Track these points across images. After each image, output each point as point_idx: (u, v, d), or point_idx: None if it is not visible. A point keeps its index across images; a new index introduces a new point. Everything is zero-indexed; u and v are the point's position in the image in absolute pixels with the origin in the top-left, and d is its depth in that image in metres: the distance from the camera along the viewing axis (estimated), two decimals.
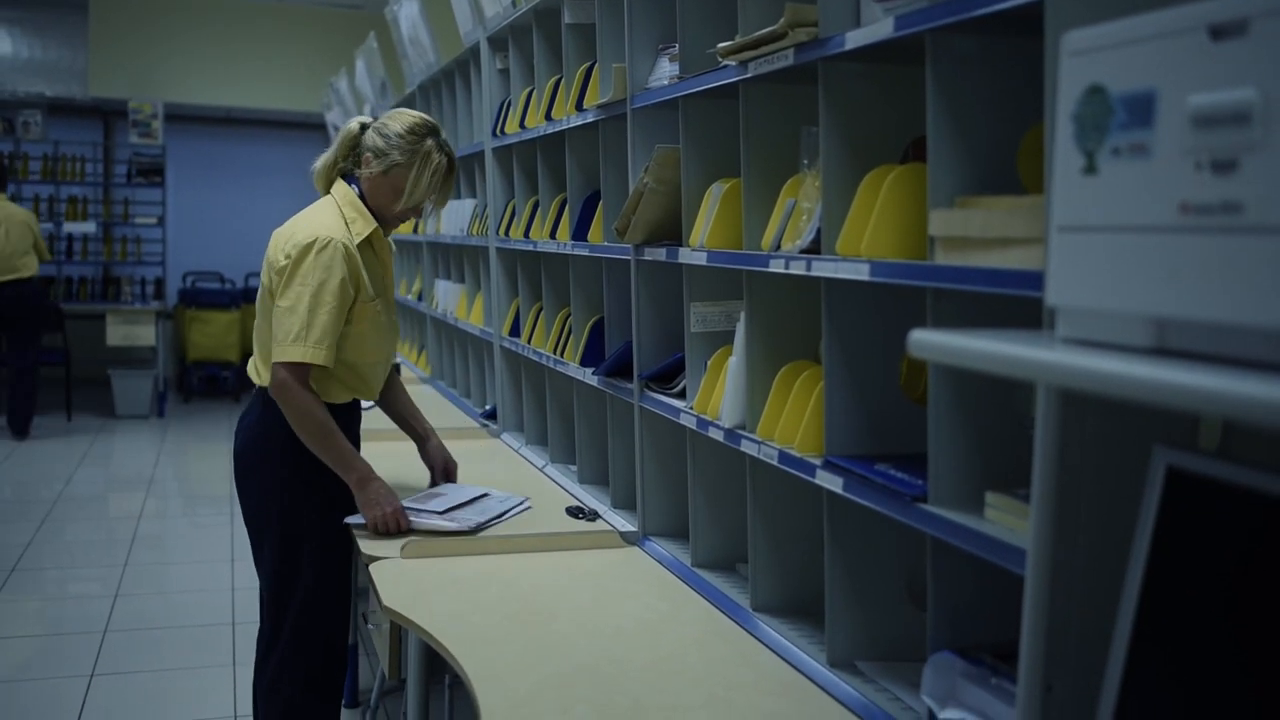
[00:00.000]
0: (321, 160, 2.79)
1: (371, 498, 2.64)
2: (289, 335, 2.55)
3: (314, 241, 2.58)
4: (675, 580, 2.48)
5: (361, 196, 2.73)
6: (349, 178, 2.76)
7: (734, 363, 2.23)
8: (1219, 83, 0.87)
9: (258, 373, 2.73)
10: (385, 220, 2.75)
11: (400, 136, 2.68)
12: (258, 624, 2.86)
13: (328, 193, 2.77)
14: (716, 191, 2.30)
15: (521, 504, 2.94)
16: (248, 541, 2.91)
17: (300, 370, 2.57)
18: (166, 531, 6.06)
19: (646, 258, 2.61)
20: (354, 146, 2.75)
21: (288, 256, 2.58)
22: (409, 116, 2.74)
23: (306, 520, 2.69)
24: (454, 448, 3.15)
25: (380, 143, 2.69)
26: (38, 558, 5.41)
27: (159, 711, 3.75)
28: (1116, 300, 0.97)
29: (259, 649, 2.80)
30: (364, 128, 2.76)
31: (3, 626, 4.52)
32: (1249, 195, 0.84)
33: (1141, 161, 0.94)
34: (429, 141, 2.70)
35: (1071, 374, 0.95)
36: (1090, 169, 1.00)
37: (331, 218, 2.67)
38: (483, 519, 2.74)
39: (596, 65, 2.89)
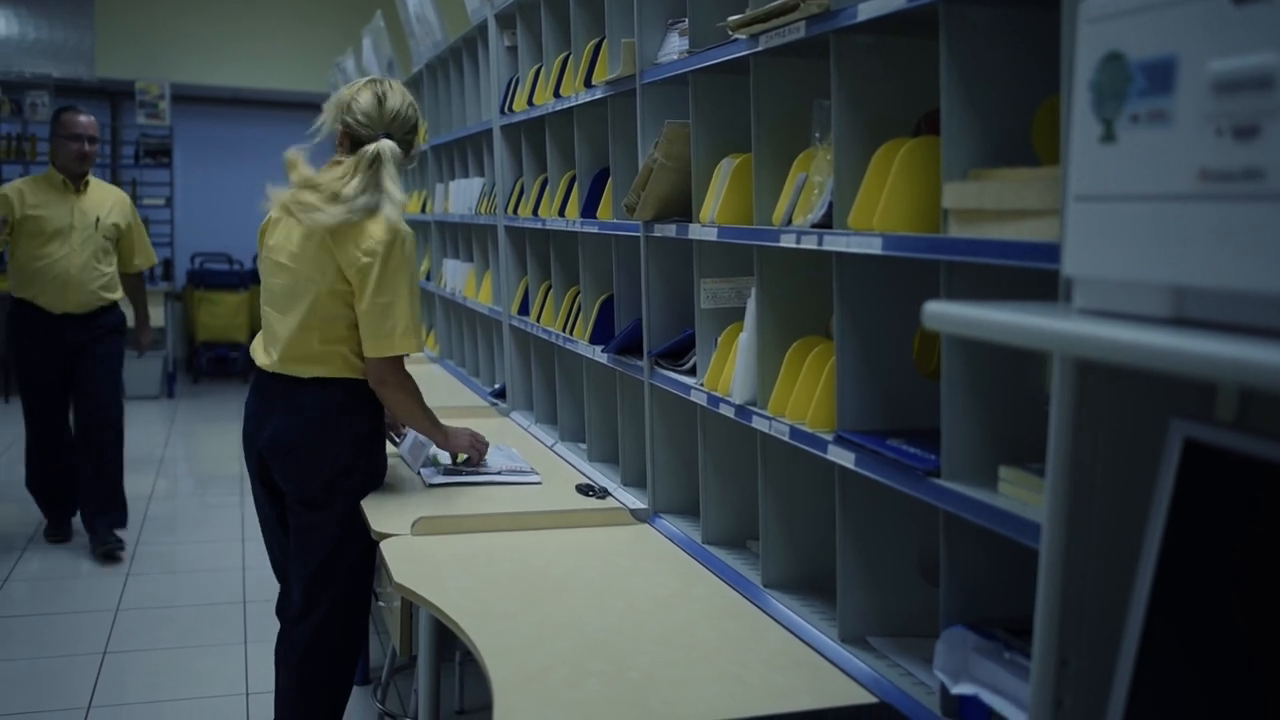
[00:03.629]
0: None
1: (456, 439, 3.01)
2: (395, 329, 2.66)
3: (396, 236, 2.66)
4: (686, 557, 2.48)
5: None
6: None
7: (745, 339, 2.22)
8: (1240, 47, 0.85)
9: (301, 365, 2.74)
10: None
11: (414, 108, 2.80)
12: (268, 602, 2.89)
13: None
14: (727, 167, 2.28)
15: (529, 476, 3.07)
16: (259, 522, 2.93)
17: (401, 359, 2.73)
18: (177, 511, 6.07)
19: (656, 234, 2.60)
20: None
21: (370, 254, 2.63)
22: (400, 85, 2.83)
23: (366, 492, 2.82)
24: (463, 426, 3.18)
25: (413, 115, 2.79)
26: None
27: (171, 689, 3.77)
28: (1134, 270, 0.96)
29: (287, 621, 2.86)
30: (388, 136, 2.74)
31: (16, 606, 4.54)
32: (1270, 161, 0.83)
33: (1161, 129, 0.93)
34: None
35: (1090, 344, 0.94)
36: (1108, 137, 0.99)
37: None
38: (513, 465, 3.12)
39: (605, 41, 2.87)
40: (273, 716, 2.93)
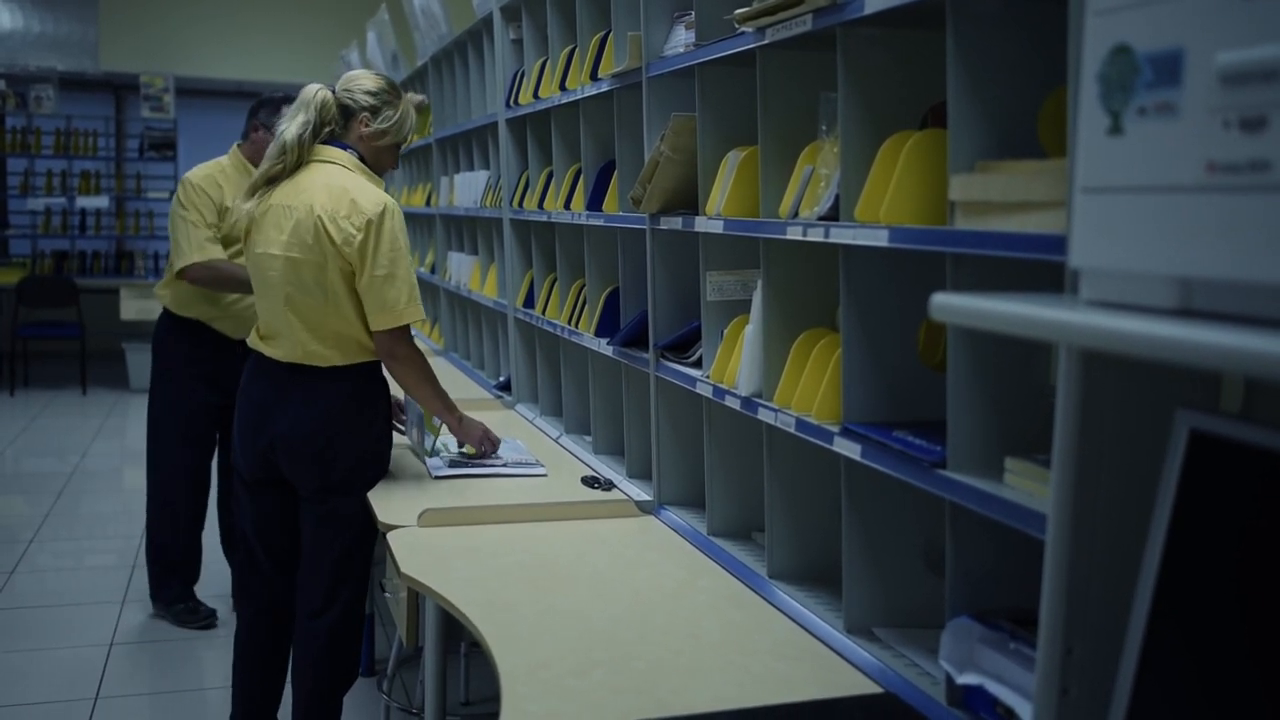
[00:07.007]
0: (296, 129, 2.75)
1: (469, 429, 3.04)
2: (399, 300, 2.70)
3: (384, 209, 2.70)
4: (691, 549, 2.48)
5: (361, 158, 2.83)
6: (336, 143, 2.82)
7: (751, 331, 2.22)
8: (1247, 39, 0.86)
9: (319, 354, 2.75)
10: (380, 176, 2.91)
11: (387, 93, 2.84)
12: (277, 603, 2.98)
13: (300, 160, 2.77)
14: (733, 159, 2.29)
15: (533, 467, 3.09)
16: (250, 529, 2.95)
17: (407, 330, 2.76)
18: None
19: (662, 227, 2.61)
20: (330, 112, 2.81)
21: (360, 229, 2.67)
22: (377, 74, 2.90)
23: (379, 480, 2.89)
24: None
25: (372, 101, 2.81)
26: (54, 530, 5.44)
27: (178, 679, 3.78)
28: (1141, 261, 0.96)
29: (302, 617, 2.87)
30: (332, 92, 2.82)
31: (22, 598, 4.55)
32: (1277, 153, 0.83)
33: (1168, 121, 0.93)
34: (404, 95, 2.90)
35: (1097, 335, 0.95)
36: (1115, 129, 0.99)
37: (369, 183, 2.79)
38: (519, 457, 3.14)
39: (611, 34, 2.88)
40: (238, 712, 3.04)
